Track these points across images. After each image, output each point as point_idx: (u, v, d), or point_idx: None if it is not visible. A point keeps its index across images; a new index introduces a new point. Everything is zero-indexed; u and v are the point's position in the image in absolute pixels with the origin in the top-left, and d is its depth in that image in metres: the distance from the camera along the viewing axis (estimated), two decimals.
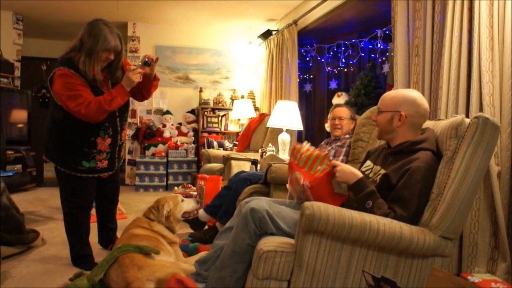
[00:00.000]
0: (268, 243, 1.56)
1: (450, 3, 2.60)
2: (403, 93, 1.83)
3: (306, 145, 1.84)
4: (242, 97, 6.43)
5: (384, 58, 4.59)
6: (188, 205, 2.67)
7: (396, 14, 3.13)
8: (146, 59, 2.42)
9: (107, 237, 2.79)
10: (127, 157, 6.11)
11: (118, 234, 2.76)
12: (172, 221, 2.47)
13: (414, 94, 1.82)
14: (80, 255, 2.48)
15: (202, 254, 2.50)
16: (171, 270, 1.98)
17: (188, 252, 2.71)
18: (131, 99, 2.58)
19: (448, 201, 1.54)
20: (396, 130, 1.78)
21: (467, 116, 2.49)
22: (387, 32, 4.34)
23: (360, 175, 1.69)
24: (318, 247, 1.51)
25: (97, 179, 2.54)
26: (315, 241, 1.51)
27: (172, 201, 2.53)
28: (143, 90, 2.55)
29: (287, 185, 2.29)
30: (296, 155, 1.85)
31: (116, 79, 2.43)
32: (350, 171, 1.69)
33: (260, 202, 1.70)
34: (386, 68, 4.49)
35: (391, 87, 4.06)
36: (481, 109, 2.40)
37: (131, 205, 4.52)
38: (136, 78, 2.33)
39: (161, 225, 2.40)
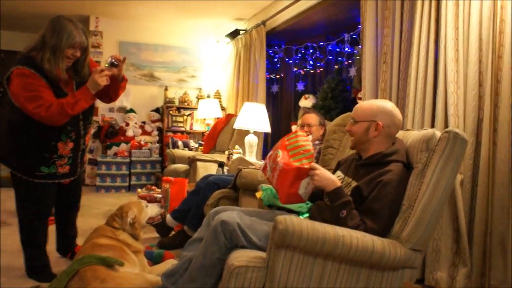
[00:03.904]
0: (240, 257, 1.52)
1: (418, 13, 2.65)
2: (378, 103, 1.84)
3: (307, 137, 1.83)
4: (208, 96, 6.35)
5: (350, 62, 4.64)
6: (153, 210, 2.59)
7: (365, 20, 3.16)
8: (113, 60, 2.31)
9: (67, 245, 2.66)
10: (88, 156, 5.89)
11: (79, 241, 2.63)
12: (137, 228, 2.38)
13: (389, 104, 1.83)
14: (36, 266, 2.34)
15: (169, 262, 2.45)
16: (136, 283, 1.91)
17: (152, 259, 2.62)
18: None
19: (419, 214, 1.55)
20: (371, 140, 1.78)
21: (432, 126, 2.54)
22: (354, 36, 4.39)
23: (339, 183, 1.68)
24: (290, 262, 1.48)
25: (57, 184, 2.40)
26: (288, 256, 1.48)
27: (137, 208, 2.43)
28: (110, 92, 2.43)
29: (257, 193, 2.26)
30: (292, 138, 1.83)
31: (82, 78, 2.31)
32: (329, 178, 1.68)
33: (231, 214, 1.66)
34: (352, 71, 4.54)
35: (357, 91, 4.12)
36: (446, 119, 2.46)
37: (91, 208, 4.34)
38: (103, 81, 2.21)
39: (126, 234, 2.30)
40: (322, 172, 1.67)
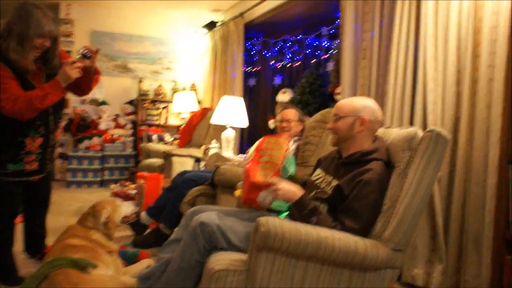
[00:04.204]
0: (220, 260, 1.47)
1: (398, 9, 2.64)
2: (359, 99, 1.84)
3: (290, 146, 1.80)
4: (184, 89, 6.23)
5: (328, 56, 4.62)
6: (127, 209, 2.52)
7: (344, 15, 3.14)
8: (85, 51, 2.19)
9: (35, 245, 2.53)
10: (58, 150, 5.68)
11: (49, 241, 2.52)
12: (111, 228, 2.29)
13: (369, 100, 1.83)
14: (1, 269, 2.22)
15: (144, 262, 2.37)
16: (111, 286, 1.83)
17: (127, 259, 2.54)
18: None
19: (401, 214, 1.54)
20: (356, 136, 1.76)
21: (411, 123, 2.55)
22: (332, 30, 4.37)
23: (301, 192, 1.68)
24: (272, 265, 1.44)
25: (25, 182, 2.28)
26: (269, 258, 1.44)
27: (111, 206, 2.34)
28: (83, 85, 2.31)
29: (235, 192, 2.22)
30: (270, 143, 1.80)
31: (52, 70, 2.18)
32: (291, 190, 1.68)
33: (210, 215, 1.61)
34: (330, 66, 4.52)
35: (335, 86, 4.11)
36: (424, 116, 2.46)
37: (62, 204, 4.19)
38: (74, 73, 2.10)
39: (99, 234, 2.21)
40: (284, 187, 1.67)
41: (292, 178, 1.84)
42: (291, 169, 1.84)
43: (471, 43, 2.29)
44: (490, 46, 2.18)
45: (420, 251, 2.46)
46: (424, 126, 2.43)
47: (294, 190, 1.68)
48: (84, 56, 2.19)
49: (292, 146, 1.85)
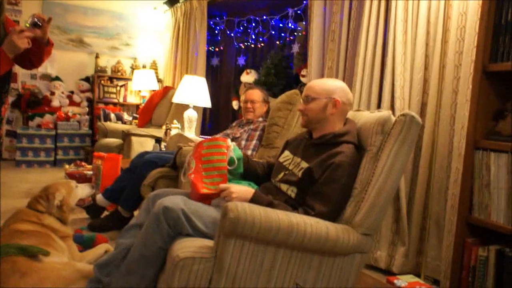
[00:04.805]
0: (185, 248, 1.38)
1: None
2: (331, 81, 1.78)
3: (230, 144, 1.71)
4: (144, 67, 5.97)
5: (293, 38, 4.55)
6: (83, 191, 2.36)
7: None
8: (35, 19, 1.97)
9: None
10: (5, 127, 5.31)
11: None
12: (65, 211, 2.14)
13: (341, 82, 1.78)
14: None
15: (101, 247, 2.25)
16: (65, 274, 1.70)
17: (83, 244, 2.40)
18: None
19: (373, 199, 1.51)
20: (328, 118, 1.70)
21: (379, 107, 2.54)
22: (298, 11, 4.29)
23: (253, 190, 1.61)
24: (240, 251, 1.37)
25: None
26: (238, 245, 1.37)
27: (65, 189, 2.18)
28: (33, 57, 2.09)
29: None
30: (211, 147, 1.71)
31: None
32: (244, 189, 1.61)
33: (175, 199, 1.51)
34: (295, 48, 4.46)
35: (300, 68, 4.06)
36: (392, 100, 2.46)
37: (10, 186, 3.92)
38: (23, 43, 1.89)
39: (52, 218, 2.05)
40: (236, 189, 1.59)
41: (240, 162, 1.80)
42: (237, 153, 1.80)
43: (441, 28, 2.28)
44: (459, 32, 2.19)
45: (384, 233, 2.48)
46: (392, 110, 2.43)
47: (246, 188, 1.62)
48: (35, 25, 1.98)
49: (230, 143, 1.77)
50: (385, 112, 1.63)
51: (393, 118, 1.58)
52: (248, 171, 1.96)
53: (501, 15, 1.72)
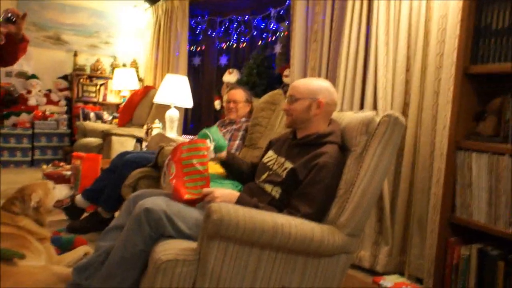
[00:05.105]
0: (167, 250, 1.35)
1: None
2: (316, 81, 1.77)
3: (209, 145, 1.69)
4: (124, 65, 5.87)
5: (275, 38, 4.55)
6: (61, 192, 2.30)
7: None
8: (9, 15, 1.90)
9: None
10: None
11: None
12: (42, 213, 2.08)
13: (326, 82, 1.77)
14: None
15: (80, 250, 2.19)
16: (41, 278, 1.65)
17: (61, 246, 2.34)
18: None
19: (357, 199, 1.50)
20: (312, 119, 1.69)
21: (361, 108, 2.55)
22: (281, 12, 4.29)
23: (237, 193, 1.60)
24: (224, 253, 1.35)
25: None
26: (221, 247, 1.34)
27: (42, 190, 2.12)
28: (6, 54, 2.02)
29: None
30: (191, 150, 1.68)
31: None
32: (228, 193, 1.59)
33: (156, 200, 1.48)
34: (277, 48, 4.46)
35: (283, 68, 4.05)
36: (375, 102, 2.47)
37: None
38: None
39: (28, 219, 1.99)
40: (220, 193, 1.57)
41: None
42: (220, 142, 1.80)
43: (422, 30, 2.30)
44: (439, 34, 2.21)
45: (367, 233, 2.49)
46: (374, 111, 2.44)
47: (230, 191, 1.61)
48: (8, 20, 1.91)
49: (210, 143, 1.74)
50: (369, 113, 1.63)
51: (377, 119, 1.57)
52: (232, 168, 1.94)
53: (481, 17, 1.75)
